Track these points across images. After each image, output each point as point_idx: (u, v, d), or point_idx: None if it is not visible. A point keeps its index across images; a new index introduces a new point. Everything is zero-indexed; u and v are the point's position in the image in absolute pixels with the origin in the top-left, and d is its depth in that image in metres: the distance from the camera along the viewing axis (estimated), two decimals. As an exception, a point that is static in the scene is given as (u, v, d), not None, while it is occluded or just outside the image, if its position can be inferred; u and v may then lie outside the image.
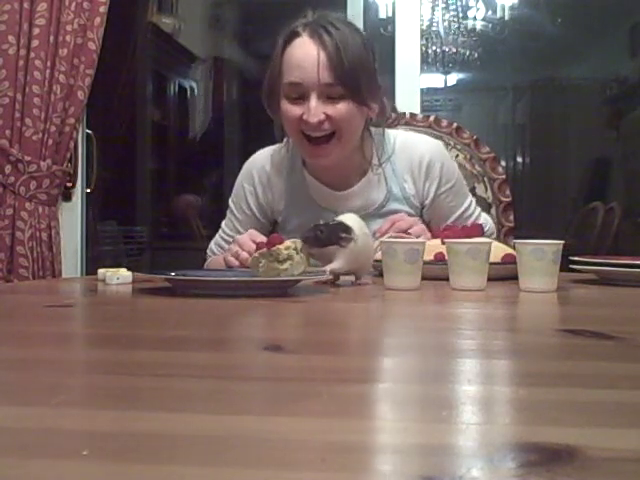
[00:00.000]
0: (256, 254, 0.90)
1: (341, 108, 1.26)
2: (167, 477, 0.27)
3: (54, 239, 2.16)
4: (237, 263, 1.16)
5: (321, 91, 1.25)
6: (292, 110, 1.28)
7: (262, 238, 1.13)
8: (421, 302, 0.93)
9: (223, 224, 1.51)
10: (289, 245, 0.91)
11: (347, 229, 0.97)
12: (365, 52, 1.29)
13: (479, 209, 1.50)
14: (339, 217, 1.03)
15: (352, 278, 1.05)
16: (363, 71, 1.27)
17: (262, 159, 1.46)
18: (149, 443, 0.30)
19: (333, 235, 0.96)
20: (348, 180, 1.40)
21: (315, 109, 1.24)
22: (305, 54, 1.25)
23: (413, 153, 1.40)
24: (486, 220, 1.50)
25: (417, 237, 1.23)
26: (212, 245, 1.52)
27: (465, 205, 1.45)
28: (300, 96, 1.26)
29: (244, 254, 1.14)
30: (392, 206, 1.39)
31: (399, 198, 1.39)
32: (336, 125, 1.27)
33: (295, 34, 1.28)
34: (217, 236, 1.52)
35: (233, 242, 1.22)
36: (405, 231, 1.24)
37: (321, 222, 0.99)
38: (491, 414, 0.36)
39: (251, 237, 1.17)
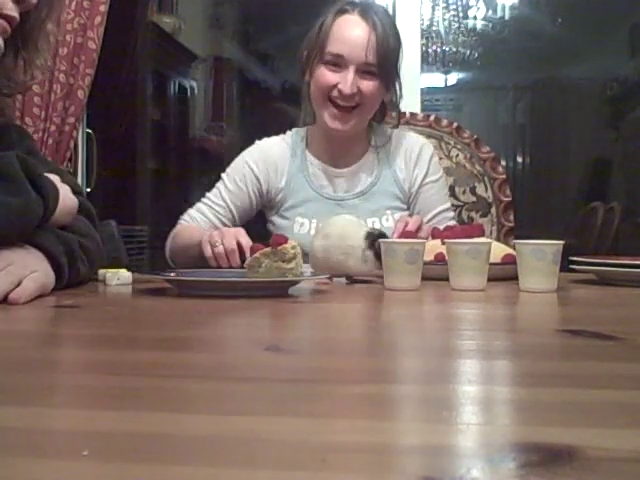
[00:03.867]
0: (257, 254, 0.90)
1: (371, 85, 1.39)
2: (167, 477, 0.27)
3: (54, 238, 2.16)
4: (210, 254, 1.19)
5: (359, 67, 1.37)
6: (328, 76, 1.39)
7: (247, 240, 1.17)
8: (421, 302, 0.93)
9: (208, 193, 1.52)
10: (295, 244, 0.91)
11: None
12: (398, 41, 1.44)
13: (455, 222, 1.56)
14: (334, 219, 1.08)
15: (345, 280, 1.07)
16: (395, 58, 1.43)
17: (267, 142, 1.54)
18: (149, 443, 0.30)
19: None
20: (347, 160, 1.50)
21: (352, 82, 1.37)
22: (355, 30, 1.38)
23: (407, 142, 1.52)
24: None
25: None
26: (190, 211, 1.52)
27: (446, 206, 1.53)
28: (338, 66, 1.38)
29: (221, 248, 1.17)
30: (383, 186, 1.49)
31: (390, 180, 1.50)
32: (363, 99, 1.39)
33: (345, 11, 1.41)
34: (198, 203, 1.52)
35: (217, 231, 1.25)
36: (416, 232, 1.28)
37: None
38: (491, 414, 0.36)
39: (237, 234, 1.19)
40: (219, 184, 1.51)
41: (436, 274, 1.05)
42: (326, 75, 1.39)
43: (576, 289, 1.05)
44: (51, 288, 0.81)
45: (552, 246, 0.95)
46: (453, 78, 5.33)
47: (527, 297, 0.94)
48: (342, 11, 1.41)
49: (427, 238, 1.26)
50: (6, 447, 0.29)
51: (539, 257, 0.94)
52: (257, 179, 1.48)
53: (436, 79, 5.10)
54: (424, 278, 0.99)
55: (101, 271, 1.02)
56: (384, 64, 1.39)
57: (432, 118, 1.76)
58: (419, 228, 1.29)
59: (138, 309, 0.83)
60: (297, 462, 0.28)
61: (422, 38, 2.98)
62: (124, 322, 0.71)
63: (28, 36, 0.91)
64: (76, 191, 0.94)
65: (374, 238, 1.02)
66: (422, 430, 0.32)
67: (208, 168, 4.68)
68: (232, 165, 1.52)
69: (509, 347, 0.58)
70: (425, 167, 1.50)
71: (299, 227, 1.44)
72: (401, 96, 1.50)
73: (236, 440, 0.30)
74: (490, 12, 4.43)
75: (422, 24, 4.15)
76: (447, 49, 4.56)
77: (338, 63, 1.38)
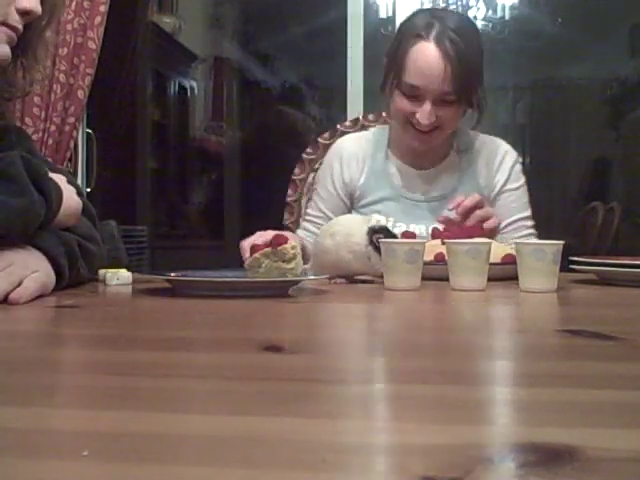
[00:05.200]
0: (257, 255, 0.90)
1: (451, 111, 1.38)
2: (167, 477, 0.27)
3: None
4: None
5: (436, 96, 1.35)
6: (406, 105, 1.38)
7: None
8: (421, 302, 0.93)
9: (307, 209, 1.56)
10: (295, 245, 0.91)
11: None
12: (480, 56, 1.40)
13: (534, 230, 1.51)
14: (339, 218, 1.09)
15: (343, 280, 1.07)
16: (476, 78, 1.39)
17: (349, 140, 1.56)
18: (149, 443, 0.30)
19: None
20: (428, 162, 1.49)
21: (429, 113, 1.35)
22: (430, 63, 1.34)
23: (492, 146, 1.51)
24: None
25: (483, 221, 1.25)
26: (298, 231, 1.55)
27: (525, 214, 1.49)
28: (415, 95, 1.36)
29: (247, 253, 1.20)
30: (464, 192, 1.42)
31: (471, 186, 1.46)
32: (442, 122, 1.38)
33: (421, 37, 1.35)
34: (302, 222, 1.56)
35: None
36: (472, 209, 1.26)
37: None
38: (491, 414, 0.36)
39: (256, 238, 1.20)
40: (314, 195, 1.55)
41: (436, 274, 1.05)
42: (403, 104, 1.37)
43: (576, 289, 1.05)
44: (52, 288, 0.81)
45: (552, 246, 0.95)
46: (453, 78, 5.32)
47: (527, 297, 0.94)
48: (418, 36, 1.35)
49: (489, 218, 1.25)
50: (6, 447, 0.29)
51: (539, 257, 0.94)
52: (342, 178, 1.51)
53: (436, 79, 5.10)
54: (424, 278, 0.99)
55: (101, 271, 1.02)
56: (462, 90, 1.36)
57: (432, 118, 1.76)
58: (478, 206, 1.26)
59: (138, 309, 0.83)
60: (297, 462, 0.28)
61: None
62: (124, 322, 0.71)
63: (28, 44, 0.93)
64: (78, 192, 0.95)
65: (374, 232, 1.02)
66: (422, 430, 0.32)
67: (208, 168, 4.68)
68: (320, 173, 1.56)
69: (509, 347, 0.58)
70: (506, 174, 1.48)
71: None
72: (484, 99, 1.46)
73: (236, 440, 0.30)
74: (490, 12, 4.43)
75: (422, 24, 4.15)
76: (447, 49, 4.54)
77: (415, 93, 1.35)
